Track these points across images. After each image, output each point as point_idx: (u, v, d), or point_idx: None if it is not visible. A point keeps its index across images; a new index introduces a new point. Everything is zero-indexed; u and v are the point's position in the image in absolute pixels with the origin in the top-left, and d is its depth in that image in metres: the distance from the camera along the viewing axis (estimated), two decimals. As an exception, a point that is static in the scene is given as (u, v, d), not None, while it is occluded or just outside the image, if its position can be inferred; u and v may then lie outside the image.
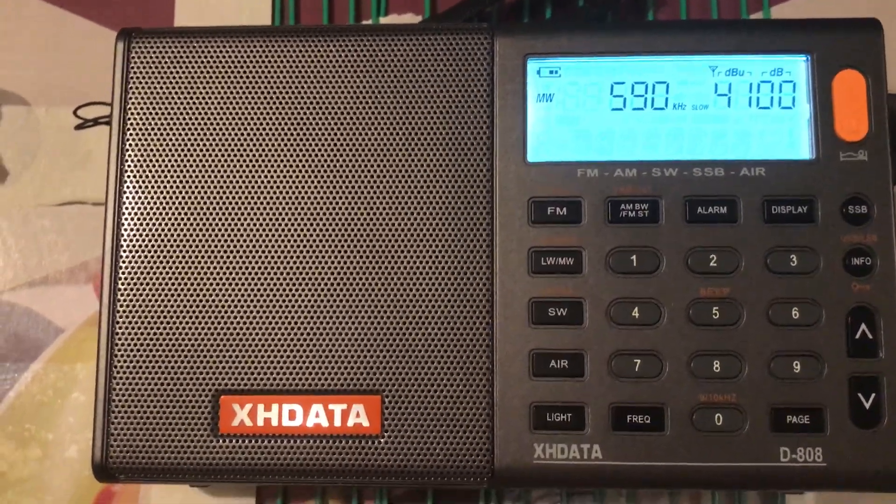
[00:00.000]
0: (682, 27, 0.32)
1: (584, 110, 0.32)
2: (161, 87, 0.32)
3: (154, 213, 0.32)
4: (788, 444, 0.29)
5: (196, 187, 0.32)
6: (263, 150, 0.32)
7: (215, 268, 0.31)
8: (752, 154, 0.31)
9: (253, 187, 0.32)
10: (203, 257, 0.31)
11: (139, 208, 0.32)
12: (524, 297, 0.31)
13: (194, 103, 0.32)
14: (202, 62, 0.32)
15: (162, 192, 0.32)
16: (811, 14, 0.34)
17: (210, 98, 0.32)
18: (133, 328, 0.31)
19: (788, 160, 0.31)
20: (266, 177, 0.32)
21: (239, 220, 0.31)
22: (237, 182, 0.32)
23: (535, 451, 0.30)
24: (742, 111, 0.32)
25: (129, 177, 0.32)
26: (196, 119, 0.32)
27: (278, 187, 0.32)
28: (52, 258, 0.39)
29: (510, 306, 0.31)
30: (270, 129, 0.32)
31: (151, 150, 0.32)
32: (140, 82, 0.32)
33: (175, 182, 0.32)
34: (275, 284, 0.31)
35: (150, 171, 0.32)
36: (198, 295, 0.31)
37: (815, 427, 0.30)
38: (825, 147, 0.31)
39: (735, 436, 0.30)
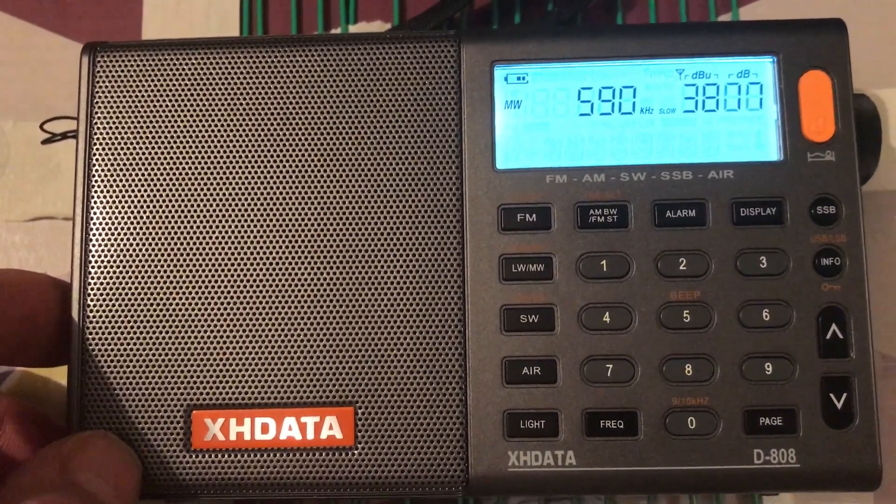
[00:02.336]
0: (647, 31, 0.32)
1: (552, 116, 0.32)
2: (128, 101, 0.32)
3: (123, 228, 0.31)
4: (762, 446, 0.30)
5: (165, 201, 0.31)
6: (231, 162, 0.32)
7: (185, 282, 0.31)
8: (721, 156, 0.31)
9: (221, 200, 0.31)
10: (173, 271, 0.31)
11: (107, 223, 0.31)
12: (496, 305, 0.31)
13: (162, 116, 0.32)
14: (169, 75, 0.32)
15: (130, 207, 0.31)
16: (781, 14, 0.34)
17: (178, 111, 0.32)
18: (103, 344, 0.31)
19: (756, 162, 0.31)
20: (234, 189, 0.31)
21: (207, 233, 0.31)
22: (205, 195, 0.31)
23: (510, 458, 0.30)
24: (709, 114, 0.32)
25: (96, 192, 0.32)
26: (164, 132, 0.32)
27: (246, 199, 0.31)
28: (23, 274, 0.38)
29: (482, 314, 0.31)
30: (238, 141, 0.32)
31: (119, 164, 0.32)
32: (106, 96, 0.32)
33: (143, 196, 0.32)
34: (245, 297, 0.31)
35: (118, 186, 0.32)
36: (168, 310, 0.31)
37: (787, 428, 0.30)
38: (793, 148, 0.31)
39: (708, 439, 0.30)
